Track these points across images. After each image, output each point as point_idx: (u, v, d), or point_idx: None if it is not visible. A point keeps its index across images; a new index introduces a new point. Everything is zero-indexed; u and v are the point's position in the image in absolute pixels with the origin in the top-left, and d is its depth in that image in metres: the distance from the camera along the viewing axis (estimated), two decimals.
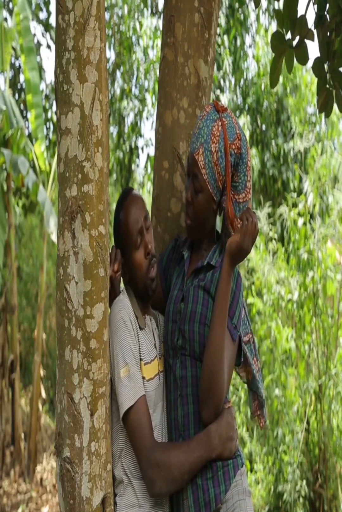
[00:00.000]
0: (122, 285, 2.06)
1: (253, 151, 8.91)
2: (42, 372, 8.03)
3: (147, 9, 9.87)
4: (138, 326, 1.93)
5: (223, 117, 1.97)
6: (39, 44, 9.88)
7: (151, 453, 1.78)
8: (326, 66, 2.49)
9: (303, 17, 2.35)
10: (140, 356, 1.90)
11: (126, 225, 1.97)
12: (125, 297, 1.96)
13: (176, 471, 1.78)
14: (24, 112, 9.44)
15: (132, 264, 1.98)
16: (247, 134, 8.76)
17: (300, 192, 8.59)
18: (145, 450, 1.79)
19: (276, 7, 2.55)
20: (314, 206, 6.21)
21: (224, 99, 9.02)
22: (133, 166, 10.38)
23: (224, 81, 9.34)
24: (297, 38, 2.38)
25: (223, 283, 1.86)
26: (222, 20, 9.19)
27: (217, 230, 2.12)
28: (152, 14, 9.93)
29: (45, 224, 7.43)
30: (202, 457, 1.81)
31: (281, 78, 9.01)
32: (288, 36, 2.40)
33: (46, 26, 9.88)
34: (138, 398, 1.82)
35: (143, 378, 1.88)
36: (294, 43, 2.39)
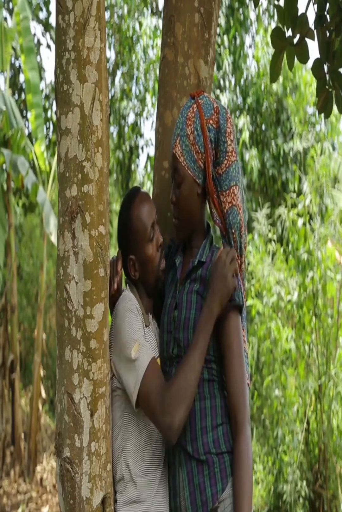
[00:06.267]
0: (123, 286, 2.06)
1: (253, 151, 8.91)
2: (42, 372, 8.04)
3: (147, 9, 9.87)
4: (143, 323, 1.93)
5: (199, 99, 1.99)
6: (39, 44, 9.87)
7: (163, 399, 1.78)
8: (325, 67, 2.49)
9: (304, 15, 2.35)
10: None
11: (141, 219, 1.98)
12: (130, 294, 1.97)
13: (188, 390, 1.79)
14: (24, 112, 9.44)
15: (145, 258, 1.99)
16: (247, 134, 8.76)
17: (299, 192, 8.58)
18: (158, 401, 1.78)
19: (276, 3, 2.57)
20: (313, 206, 6.21)
21: (224, 99, 9.02)
22: (133, 166, 10.38)
23: (224, 81, 9.34)
24: (298, 36, 2.38)
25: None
26: (222, 20, 9.19)
27: (208, 223, 2.10)
28: (152, 13, 9.94)
29: (45, 225, 7.42)
30: (207, 337, 1.83)
31: (281, 78, 9.02)
32: (289, 33, 2.40)
33: (46, 26, 9.88)
34: (148, 364, 1.81)
35: None
36: (295, 41, 2.39)
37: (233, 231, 1.99)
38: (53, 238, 7.34)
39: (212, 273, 1.88)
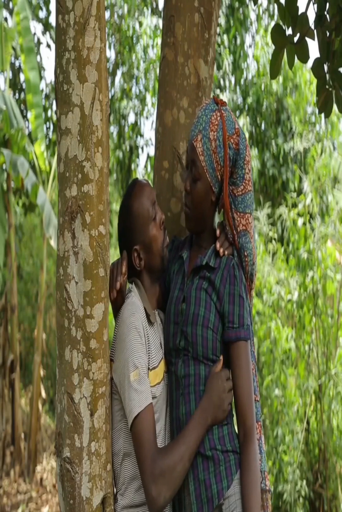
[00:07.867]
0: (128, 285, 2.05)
1: (253, 151, 8.91)
2: (42, 372, 8.04)
3: (147, 9, 9.87)
4: (148, 323, 1.92)
5: (222, 109, 1.98)
6: (39, 44, 9.87)
7: (155, 465, 1.75)
8: (325, 66, 2.49)
9: (304, 14, 2.35)
10: (148, 364, 1.88)
11: (140, 204, 1.97)
12: (136, 298, 1.93)
13: (179, 466, 1.77)
14: (24, 112, 9.44)
15: (149, 239, 1.97)
16: (247, 134, 8.76)
17: (299, 192, 8.59)
18: (148, 463, 1.75)
19: (278, 0, 2.58)
20: (313, 206, 6.21)
21: (224, 99, 9.02)
22: (133, 166, 10.37)
23: (224, 81, 9.35)
24: (298, 35, 2.38)
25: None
26: (222, 20, 9.19)
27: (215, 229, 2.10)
28: (153, 13, 9.93)
29: (45, 229, 7.41)
30: (199, 436, 1.83)
31: (281, 78, 9.02)
32: (289, 32, 2.39)
33: (46, 25, 9.87)
34: (147, 405, 1.79)
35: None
36: (295, 39, 2.39)
37: (246, 254, 2.01)
38: (53, 242, 7.32)
39: (208, 387, 1.89)
